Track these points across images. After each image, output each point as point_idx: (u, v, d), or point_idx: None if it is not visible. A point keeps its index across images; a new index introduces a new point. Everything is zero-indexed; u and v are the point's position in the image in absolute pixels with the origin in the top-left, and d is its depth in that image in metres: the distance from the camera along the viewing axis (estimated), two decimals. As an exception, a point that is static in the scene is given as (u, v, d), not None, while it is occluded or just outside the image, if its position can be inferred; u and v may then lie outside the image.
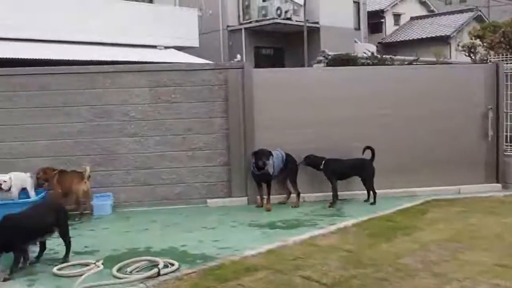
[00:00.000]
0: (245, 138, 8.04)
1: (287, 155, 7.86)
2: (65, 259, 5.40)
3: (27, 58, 12.94)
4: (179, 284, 4.60)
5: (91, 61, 12.84)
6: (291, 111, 8.16)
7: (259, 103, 8.07)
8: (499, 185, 8.68)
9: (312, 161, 7.92)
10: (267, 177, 7.62)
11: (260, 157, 7.52)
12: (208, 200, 8.06)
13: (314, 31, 22.27)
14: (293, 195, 7.96)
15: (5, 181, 7.01)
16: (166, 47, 18.70)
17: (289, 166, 7.87)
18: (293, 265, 5.01)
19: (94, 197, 7.73)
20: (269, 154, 7.59)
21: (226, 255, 5.37)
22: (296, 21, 21.99)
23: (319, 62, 16.58)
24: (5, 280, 4.78)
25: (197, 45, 19.69)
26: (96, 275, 4.80)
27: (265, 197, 7.69)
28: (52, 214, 5.41)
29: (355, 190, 8.15)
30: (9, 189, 7.06)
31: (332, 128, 8.25)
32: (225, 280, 4.64)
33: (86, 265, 5.17)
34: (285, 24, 21.98)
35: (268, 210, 7.53)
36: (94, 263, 5.13)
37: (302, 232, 6.26)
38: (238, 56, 19.52)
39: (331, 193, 7.78)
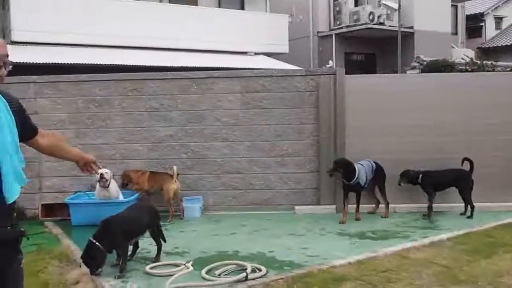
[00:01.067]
0: (335, 145, 7.91)
1: (376, 164, 7.62)
2: (157, 258, 5.57)
3: (124, 64, 13.66)
4: (267, 290, 4.59)
5: (183, 67, 13.29)
6: (384, 119, 7.92)
7: (351, 110, 7.91)
8: None
9: (409, 177, 7.55)
10: (358, 187, 7.39)
11: (340, 167, 7.30)
12: (296, 207, 8.01)
13: (408, 36, 21.55)
14: (382, 205, 7.71)
15: (107, 173, 7.33)
16: (256, 53, 18.97)
17: (378, 175, 7.62)
18: (384, 278, 4.82)
19: (184, 200, 7.96)
20: (353, 167, 7.30)
21: (314, 264, 5.28)
22: (389, 26, 21.40)
23: (413, 68, 16.03)
24: (119, 277, 4.98)
25: (287, 51, 19.79)
26: (186, 276, 4.90)
27: (349, 205, 7.40)
28: (146, 215, 5.58)
29: (451, 202, 7.73)
30: (108, 185, 7.40)
31: (429, 137, 7.91)
32: (312, 288, 4.56)
33: (177, 265, 5.29)
34: (377, 29, 21.47)
35: (358, 219, 7.34)
36: (184, 264, 5.24)
37: (393, 243, 6.02)
38: (330, 62, 19.33)
39: (426, 205, 7.43)
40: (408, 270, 5.04)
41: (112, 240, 5.05)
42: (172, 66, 13.37)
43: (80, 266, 5.36)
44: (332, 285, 4.63)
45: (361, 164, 7.44)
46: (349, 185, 7.34)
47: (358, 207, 7.42)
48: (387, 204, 7.63)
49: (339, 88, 7.90)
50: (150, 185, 7.75)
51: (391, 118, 7.92)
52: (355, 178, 7.23)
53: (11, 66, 2.52)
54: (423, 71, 15.46)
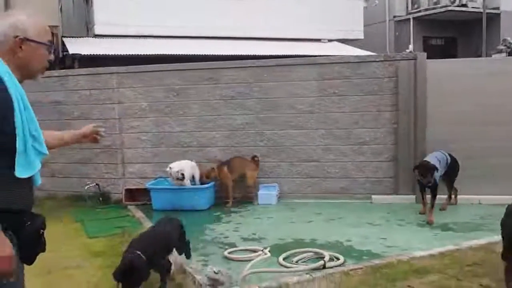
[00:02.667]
0: (415, 133, 7.65)
1: (450, 156, 7.13)
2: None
3: (200, 54, 13.93)
4: (345, 279, 4.53)
5: (257, 55, 13.35)
6: (469, 106, 7.53)
7: (432, 96, 7.60)
8: None
9: None
10: (433, 186, 6.81)
11: (425, 173, 6.66)
12: (373, 196, 7.85)
13: (493, 18, 20.34)
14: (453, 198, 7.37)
15: (183, 173, 7.54)
16: (329, 40, 18.69)
17: (451, 169, 7.12)
18: (470, 272, 4.61)
19: (261, 187, 8.02)
20: (434, 169, 6.66)
21: (394, 254, 5.15)
22: (472, 7, 20.32)
23: (500, 51, 15.12)
24: None
25: (362, 37, 19.34)
26: (264, 262, 4.93)
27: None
28: (177, 229, 4.90)
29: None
30: (183, 178, 7.61)
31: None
32: (393, 279, 4.45)
33: (254, 251, 5.34)
34: (459, 11, 20.46)
35: (423, 213, 6.90)
36: (262, 250, 5.28)
37: (478, 236, 5.73)
38: (410, 46, 18.68)
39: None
40: (495, 264, 4.75)
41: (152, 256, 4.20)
42: (247, 55, 13.45)
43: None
44: (413, 277, 4.50)
45: (437, 158, 6.93)
46: (422, 183, 6.89)
47: (433, 202, 6.74)
48: (450, 196, 7.29)
49: (420, 73, 7.60)
50: (233, 176, 7.90)
51: (476, 104, 7.52)
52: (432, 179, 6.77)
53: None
54: (510, 54, 14.54)
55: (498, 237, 5.58)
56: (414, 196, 7.61)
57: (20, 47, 2.26)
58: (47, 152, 2.38)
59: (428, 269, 4.68)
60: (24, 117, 2.21)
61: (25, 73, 2.33)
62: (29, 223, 2.28)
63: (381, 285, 4.35)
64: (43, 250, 2.40)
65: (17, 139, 2.16)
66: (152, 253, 4.11)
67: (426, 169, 6.66)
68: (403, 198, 7.68)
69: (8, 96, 2.14)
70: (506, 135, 7.51)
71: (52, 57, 2.41)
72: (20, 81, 2.26)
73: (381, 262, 4.89)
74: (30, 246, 2.31)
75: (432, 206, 6.66)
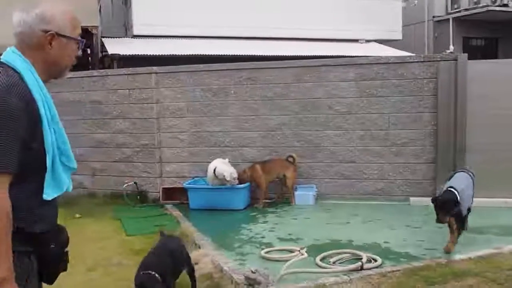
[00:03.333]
0: (455, 136, 7.51)
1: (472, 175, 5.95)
2: None
3: (238, 55, 14.00)
4: (383, 280, 4.51)
5: (295, 56, 13.35)
6: (510, 109, 7.38)
7: (473, 98, 7.45)
8: None
9: None
10: (457, 215, 5.39)
11: (440, 209, 5.24)
12: (411, 198, 7.76)
13: (534, 18, 19.82)
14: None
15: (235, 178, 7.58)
16: (367, 41, 18.51)
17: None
18: (510, 276, 4.54)
19: (298, 188, 8.03)
20: (454, 203, 5.21)
21: (432, 257, 5.09)
22: (514, 7, 19.79)
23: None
24: None
25: (400, 38, 19.08)
26: (301, 262, 4.93)
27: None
28: (183, 247, 4.67)
29: None
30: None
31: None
32: (432, 282, 4.41)
33: (291, 251, 5.35)
34: (501, 11, 19.92)
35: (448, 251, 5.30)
36: (299, 250, 5.28)
37: (518, 241, 5.61)
38: (451, 47, 18.28)
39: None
40: None
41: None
42: (284, 55, 13.48)
43: (199, 248, 5.66)
44: (452, 280, 4.45)
45: (464, 184, 5.62)
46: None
47: (457, 233, 5.39)
48: (458, 232, 5.47)
49: (460, 74, 7.46)
50: (269, 176, 7.90)
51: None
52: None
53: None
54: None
55: None
56: (453, 199, 7.47)
57: (50, 43, 2.04)
58: (76, 166, 2.20)
59: (467, 273, 4.62)
60: (52, 130, 2.02)
61: (52, 72, 2.12)
62: (53, 245, 2.10)
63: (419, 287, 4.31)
64: (65, 269, 2.24)
65: (46, 156, 1.98)
66: (165, 272, 3.87)
67: (441, 206, 5.24)
68: (442, 200, 7.55)
69: (35, 106, 1.93)
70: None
71: (80, 52, 2.19)
72: (46, 81, 2.07)
73: (419, 265, 4.85)
74: (53, 268, 2.17)
75: (455, 235, 5.36)
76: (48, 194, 2.01)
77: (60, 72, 2.16)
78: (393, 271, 4.72)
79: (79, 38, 2.16)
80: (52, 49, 2.05)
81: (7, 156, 1.83)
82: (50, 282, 2.22)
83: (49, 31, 2.02)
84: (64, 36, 2.07)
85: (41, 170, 1.99)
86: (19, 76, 1.94)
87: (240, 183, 7.70)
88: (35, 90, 1.95)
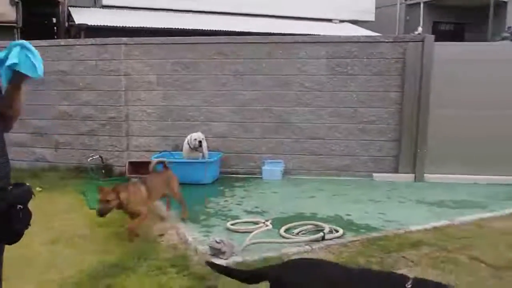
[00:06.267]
0: (418, 115, 7.73)
1: None
2: None
3: (209, 29, 13.96)
4: (343, 250, 4.68)
5: (268, 33, 13.34)
6: (472, 90, 7.64)
7: (437, 79, 7.65)
8: None
9: None
10: None
11: None
12: (375, 174, 7.97)
13: (500, 6, 20.17)
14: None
15: (201, 141, 7.63)
16: (341, 21, 18.61)
17: None
18: (460, 244, 4.82)
19: (266, 163, 8.13)
20: None
21: (391, 228, 5.32)
22: (482, -6, 20.09)
23: (504, 38, 15.04)
24: None
25: (373, 20, 19.24)
26: (265, 233, 5.07)
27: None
28: None
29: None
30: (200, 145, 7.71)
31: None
32: (388, 251, 4.63)
33: (256, 223, 5.46)
34: (467, -2, 20.27)
35: None
36: (264, 222, 5.41)
37: (471, 213, 5.95)
38: (420, 28, 18.46)
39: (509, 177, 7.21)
40: (484, 238, 5.01)
41: None
42: (257, 32, 13.44)
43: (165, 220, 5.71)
44: (408, 249, 4.67)
45: None
46: None
47: None
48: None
49: (426, 55, 7.64)
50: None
51: (478, 90, 7.63)
52: None
53: None
54: (514, 42, 14.45)
55: (489, 214, 5.93)
56: (413, 175, 7.80)
57: None
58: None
59: (422, 242, 4.86)
60: None
61: None
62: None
63: (377, 257, 4.50)
64: (26, 226, 2.25)
65: None
66: None
67: None
68: (404, 176, 7.82)
69: None
70: (507, 121, 7.61)
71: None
72: None
73: (378, 235, 5.07)
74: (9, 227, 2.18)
75: None
76: None
77: None
78: (353, 241, 4.92)
79: None
80: None
81: None
82: (8, 240, 2.27)
83: None
84: None
85: None
86: None
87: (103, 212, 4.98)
88: None
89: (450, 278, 4.01)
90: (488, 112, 7.64)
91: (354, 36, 8.67)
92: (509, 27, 16.89)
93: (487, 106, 7.65)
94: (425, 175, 7.72)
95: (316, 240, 4.88)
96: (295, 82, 8.12)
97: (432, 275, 3.98)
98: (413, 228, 5.31)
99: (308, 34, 10.67)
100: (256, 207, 6.31)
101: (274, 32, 13.86)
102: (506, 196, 6.88)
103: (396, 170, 7.93)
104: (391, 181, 7.77)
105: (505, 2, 20.42)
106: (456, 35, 21.12)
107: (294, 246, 4.76)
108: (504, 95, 7.64)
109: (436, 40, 7.81)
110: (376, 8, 19.68)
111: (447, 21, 21.97)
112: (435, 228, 5.35)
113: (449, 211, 6.16)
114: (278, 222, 5.49)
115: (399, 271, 3.93)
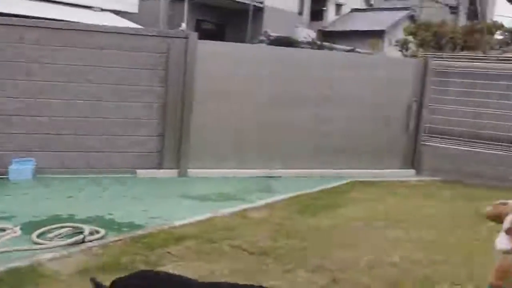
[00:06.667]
0: (182, 110, 7.82)
1: None
2: None
3: None
4: (105, 251, 4.46)
5: (17, 15, 11.98)
6: (233, 86, 8.07)
7: (201, 75, 7.85)
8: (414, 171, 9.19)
9: None
10: None
11: None
12: (138, 171, 7.76)
13: (258, 11, 22.16)
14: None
15: None
16: (102, 10, 17.88)
17: None
18: (223, 235, 5.06)
19: (14, 162, 7.17)
20: None
21: (155, 225, 5.28)
22: (240, -2, 21.72)
23: (261, 42, 16.55)
24: None
25: (136, 11, 19.02)
26: (14, 240, 4.60)
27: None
28: None
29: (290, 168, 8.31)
30: None
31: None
32: (152, 248, 4.58)
33: (3, 230, 4.86)
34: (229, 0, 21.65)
35: None
36: (12, 228, 4.88)
37: (233, 205, 6.30)
38: (183, 25, 18.92)
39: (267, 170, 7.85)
40: (245, 228, 5.38)
41: None
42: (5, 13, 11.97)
43: None
44: (172, 244, 4.70)
45: None
46: None
47: None
48: None
49: (190, 52, 7.77)
50: None
51: (236, 85, 8.08)
52: None
53: None
54: (270, 44, 16.03)
55: (248, 205, 6.38)
56: (177, 170, 7.88)
57: None
58: None
59: (187, 236, 4.96)
60: None
61: None
62: None
63: (141, 254, 4.41)
64: None
65: None
66: None
67: None
68: (168, 172, 7.85)
69: None
70: (263, 115, 8.25)
71: None
72: None
73: (142, 233, 4.99)
74: None
75: None
76: None
77: None
78: (116, 240, 4.73)
79: None
80: None
81: None
82: None
83: None
84: None
85: None
86: None
87: None
88: None
89: (215, 268, 4.15)
90: (248, 108, 8.19)
91: (119, 27, 8.35)
92: (265, 31, 18.54)
93: (248, 101, 8.17)
94: (189, 170, 7.85)
95: (74, 244, 4.55)
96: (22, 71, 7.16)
97: (196, 267, 4.08)
98: (177, 223, 5.35)
99: (66, 21, 9.88)
100: (3, 212, 5.51)
101: (29, 15, 12.52)
102: (259, 188, 7.45)
103: (160, 166, 7.88)
104: (155, 177, 7.70)
105: (262, 8, 22.47)
106: (217, 35, 22.34)
107: (49, 252, 4.34)
108: (262, 90, 8.24)
109: (200, 38, 8.03)
110: (140, 0, 19.49)
111: (210, 20, 23.09)
112: (199, 221, 5.50)
113: (212, 204, 6.42)
114: (29, 227, 4.95)
115: (164, 267, 3.93)
